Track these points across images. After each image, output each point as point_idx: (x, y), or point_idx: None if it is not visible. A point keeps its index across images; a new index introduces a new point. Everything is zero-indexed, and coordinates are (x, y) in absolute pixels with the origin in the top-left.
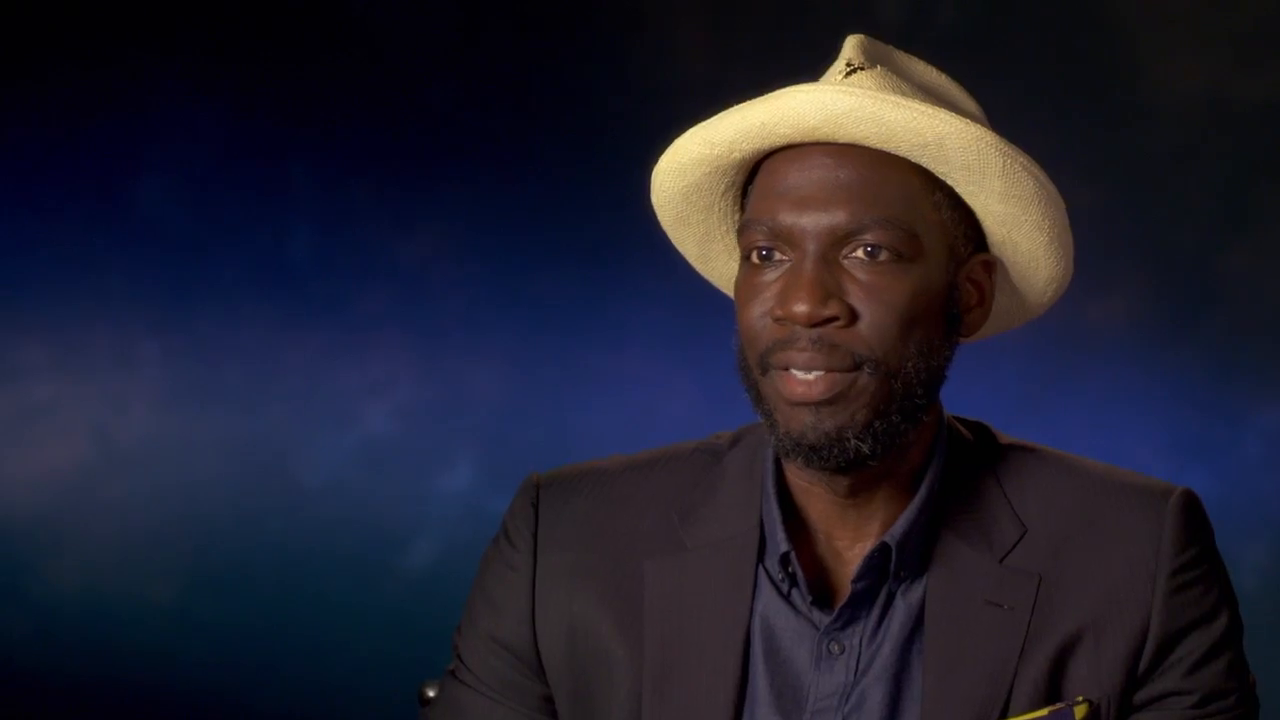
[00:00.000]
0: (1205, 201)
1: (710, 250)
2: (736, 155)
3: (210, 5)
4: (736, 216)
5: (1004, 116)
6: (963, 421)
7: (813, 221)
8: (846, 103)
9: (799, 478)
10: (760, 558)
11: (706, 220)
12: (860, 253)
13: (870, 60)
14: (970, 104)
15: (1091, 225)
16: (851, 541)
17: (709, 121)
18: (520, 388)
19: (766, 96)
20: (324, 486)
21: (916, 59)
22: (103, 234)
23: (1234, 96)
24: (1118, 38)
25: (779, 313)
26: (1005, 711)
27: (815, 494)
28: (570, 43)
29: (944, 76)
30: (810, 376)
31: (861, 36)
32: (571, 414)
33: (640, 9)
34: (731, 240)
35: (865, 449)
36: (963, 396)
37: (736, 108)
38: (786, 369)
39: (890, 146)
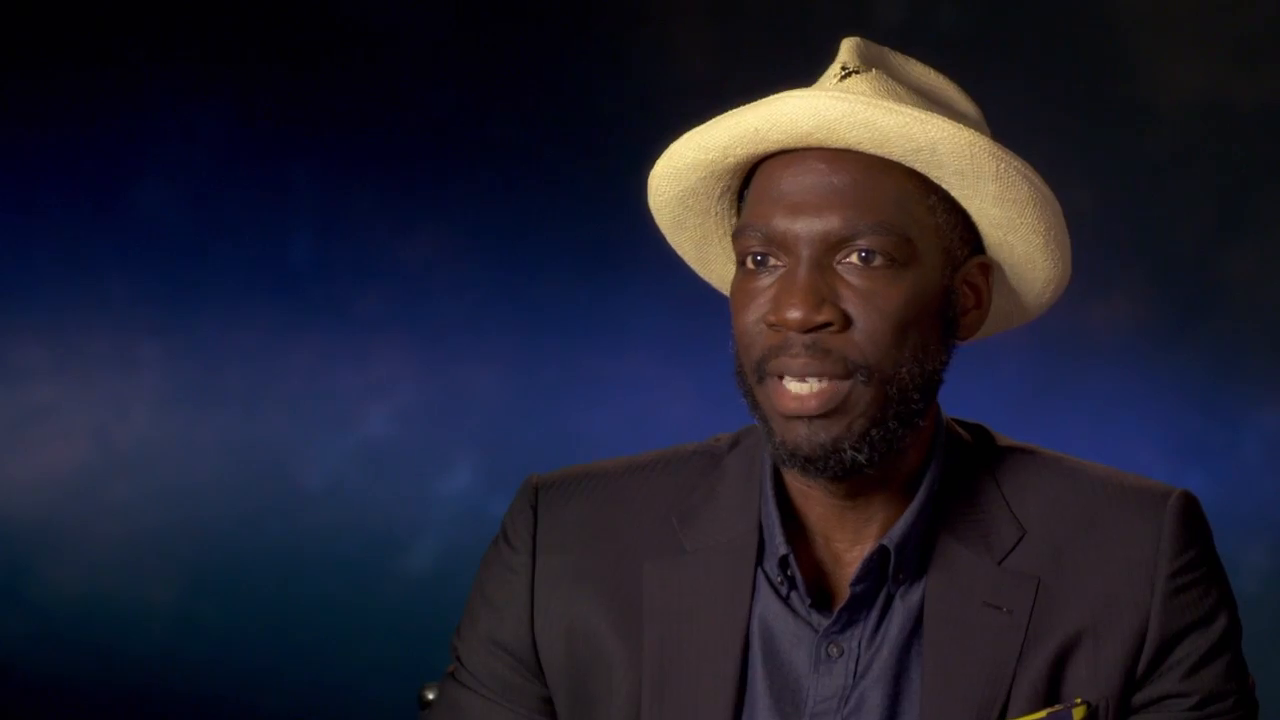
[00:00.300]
0: (1205, 204)
1: (708, 253)
2: (731, 160)
3: (211, 8)
4: (733, 220)
5: (1003, 118)
6: (962, 424)
7: (806, 227)
8: (839, 109)
9: (797, 481)
10: (759, 560)
11: (703, 224)
12: (854, 258)
13: (865, 63)
14: (967, 105)
15: (1091, 227)
16: (850, 544)
17: (703, 126)
18: (520, 390)
19: (760, 101)
20: (324, 489)
21: (913, 60)
22: (103, 236)
23: (1234, 99)
24: (1117, 40)
25: (773, 319)
26: (1004, 714)
27: (813, 497)
28: (570, 45)
29: (941, 78)
30: (804, 387)
31: (857, 39)
32: (571, 416)
33: (640, 10)
34: (729, 243)
35: (862, 458)
36: (963, 398)
37: (731, 113)
38: (781, 377)
39: (884, 152)
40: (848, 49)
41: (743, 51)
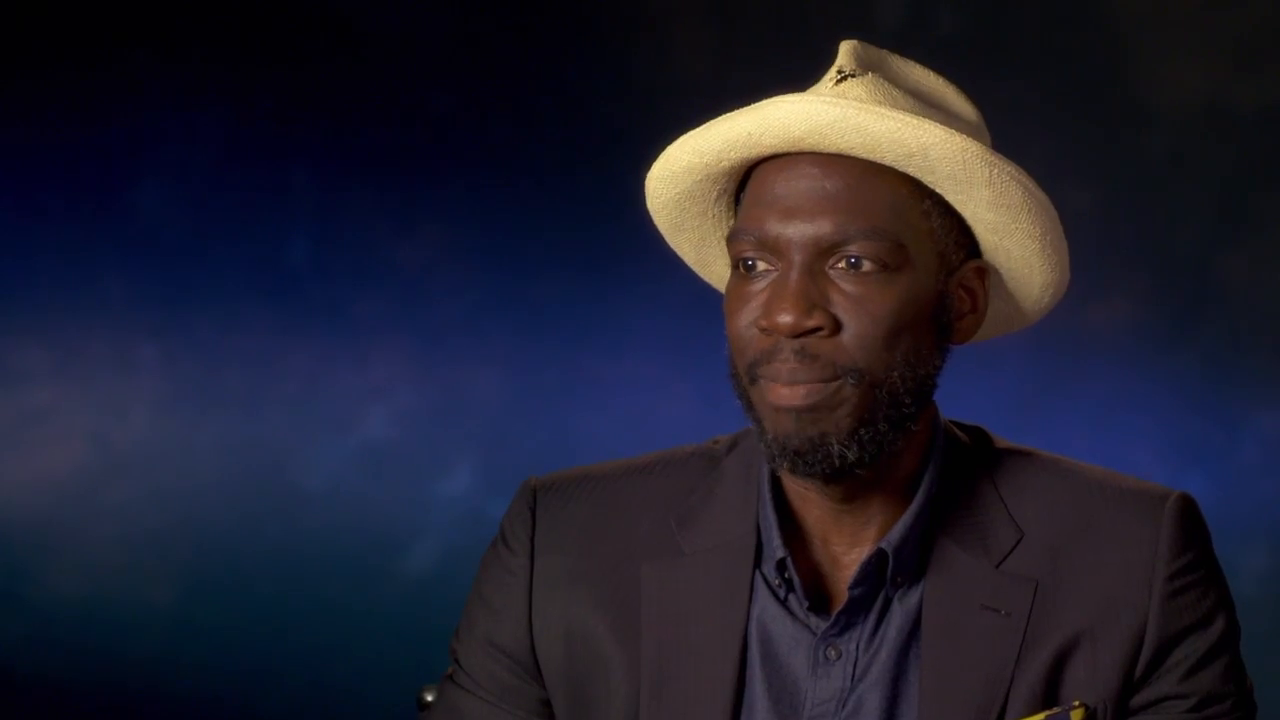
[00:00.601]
0: (1204, 205)
1: (707, 255)
2: (725, 164)
3: (210, 9)
4: (730, 222)
5: (1003, 120)
6: (960, 426)
7: (798, 232)
8: (831, 114)
9: (794, 483)
10: (757, 563)
11: (701, 226)
12: (845, 264)
13: (862, 67)
14: (967, 108)
15: (1090, 229)
16: (848, 547)
17: (698, 130)
18: (520, 392)
19: (754, 106)
20: (323, 491)
21: (913, 63)
22: (102, 238)
23: (1232, 100)
24: (1116, 42)
25: (764, 323)
26: (1002, 716)
27: (810, 499)
28: (570, 47)
29: (941, 80)
30: (793, 390)
31: (855, 42)
32: (571, 418)
33: (640, 13)
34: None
35: (850, 456)
36: (962, 400)
37: (724, 116)
38: (773, 380)
39: (876, 157)
40: (845, 52)
41: (742, 53)
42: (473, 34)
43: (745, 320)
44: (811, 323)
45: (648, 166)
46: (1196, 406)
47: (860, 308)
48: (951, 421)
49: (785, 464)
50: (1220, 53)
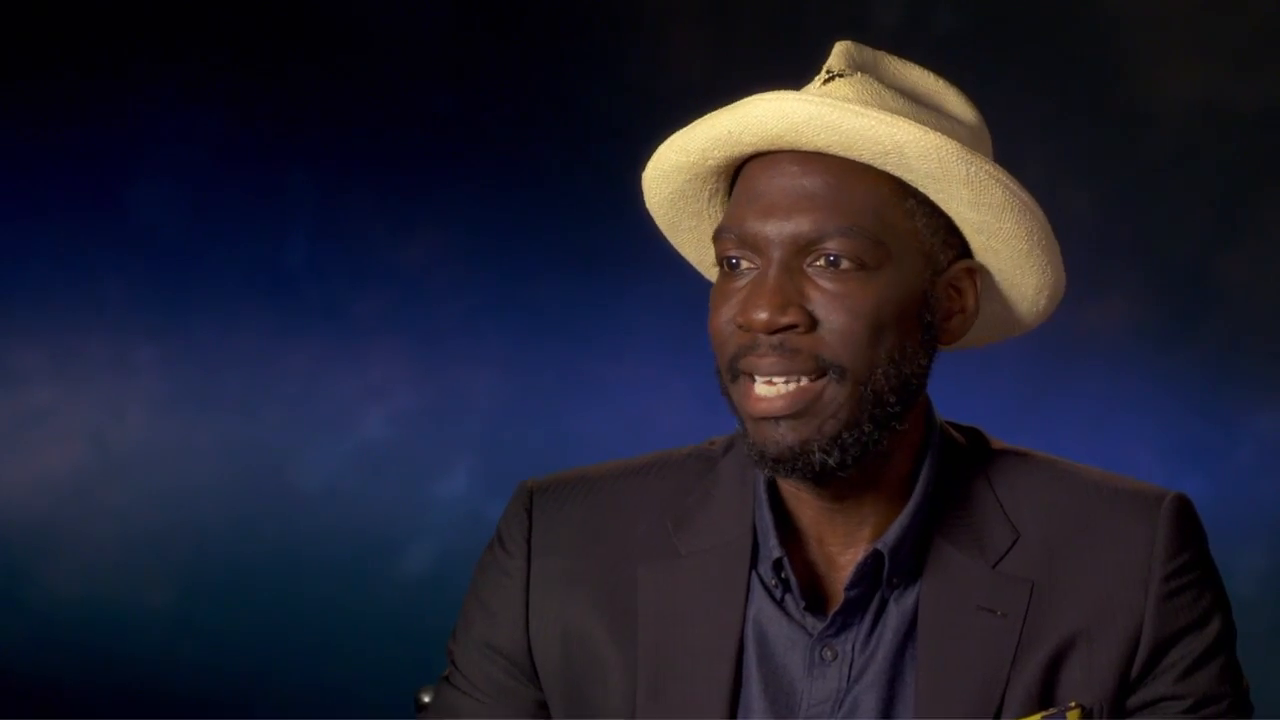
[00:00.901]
0: (1203, 206)
1: (707, 257)
2: (711, 162)
3: (207, 10)
4: None
5: (1003, 120)
6: (956, 427)
7: (776, 229)
8: (807, 111)
9: (787, 483)
10: (753, 563)
11: (698, 226)
12: (822, 261)
13: (852, 67)
14: (966, 111)
15: (1089, 230)
16: (843, 547)
17: (685, 129)
18: (517, 393)
19: (735, 104)
20: (321, 492)
21: (911, 64)
22: (100, 239)
23: (1232, 101)
24: (1115, 43)
25: (740, 319)
26: (998, 717)
27: (804, 500)
28: (568, 48)
29: (942, 82)
30: (772, 389)
31: (848, 43)
32: (568, 419)
33: (637, 15)
34: None
35: (832, 461)
36: (960, 401)
37: (708, 115)
38: (751, 376)
39: (852, 154)
40: (836, 53)
41: (739, 54)
42: (473, 34)
43: (725, 317)
44: (786, 319)
45: (644, 168)
46: (1195, 407)
47: (838, 304)
48: (948, 422)
49: (765, 469)
50: (1220, 53)
